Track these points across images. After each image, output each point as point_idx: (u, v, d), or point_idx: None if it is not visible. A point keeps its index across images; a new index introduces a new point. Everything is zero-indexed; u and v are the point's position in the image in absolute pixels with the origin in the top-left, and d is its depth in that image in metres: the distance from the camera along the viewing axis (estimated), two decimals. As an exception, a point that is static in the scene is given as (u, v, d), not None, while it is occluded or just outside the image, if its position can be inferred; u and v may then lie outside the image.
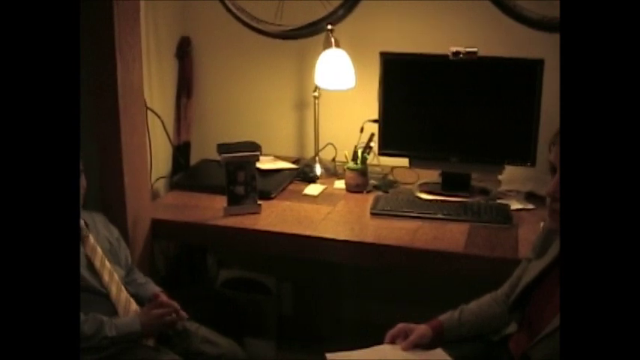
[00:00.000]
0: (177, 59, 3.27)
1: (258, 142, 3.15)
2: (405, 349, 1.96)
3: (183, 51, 3.27)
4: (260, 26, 3.18)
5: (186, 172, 3.17)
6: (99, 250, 2.31)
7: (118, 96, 2.40)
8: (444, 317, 2.05)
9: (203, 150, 3.32)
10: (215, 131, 3.35)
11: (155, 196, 3.03)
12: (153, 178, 3.03)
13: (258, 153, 2.73)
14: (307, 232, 2.54)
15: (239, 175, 2.70)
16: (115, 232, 2.45)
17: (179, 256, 3.22)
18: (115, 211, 2.50)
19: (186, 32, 3.28)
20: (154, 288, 2.45)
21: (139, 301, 2.35)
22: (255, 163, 2.74)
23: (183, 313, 2.31)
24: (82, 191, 2.26)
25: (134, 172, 2.54)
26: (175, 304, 2.31)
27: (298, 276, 3.22)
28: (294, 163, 3.17)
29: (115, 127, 2.43)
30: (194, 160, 3.34)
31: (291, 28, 3.15)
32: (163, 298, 2.33)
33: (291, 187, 3.00)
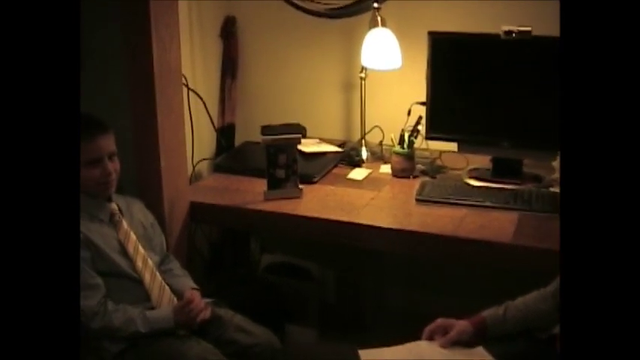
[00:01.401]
0: (221, 39, 3.16)
1: (303, 124, 3.05)
2: (444, 346, 1.84)
3: (228, 31, 3.16)
4: (306, 5, 3.04)
5: (228, 155, 3.06)
6: (132, 235, 2.23)
7: (154, 76, 2.30)
8: (487, 313, 1.91)
9: (247, 132, 3.21)
10: (259, 113, 3.24)
11: (197, 178, 2.95)
12: (195, 160, 2.94)
13: (299, 135, 2.61)
14: (348, 219, 2.41)
15: (280, 158, 2.59)
16: (150, 218, 2.36)
17: (222, 240, 3.13)
18: (150, 194, 2.41)
19: (231, 11, 3.17)
20: (189, 283, 2.36)
21: (173, 292, 2.27)
22: (296, 146, 2.62)
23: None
24: (115, 175, 2.19)
25: (171, 154, 2.44)
26: (208, 308, 2.23)
27: (342, 262, 3.09)
28: (339, 146, 3.03)
29: (151, 108, 2.33)
30: (238, 142, 3.23)
31: (337, 6, 3.01)
32: (197, 300, 2.22)
33: (335, 170, 2.87)
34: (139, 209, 2.35)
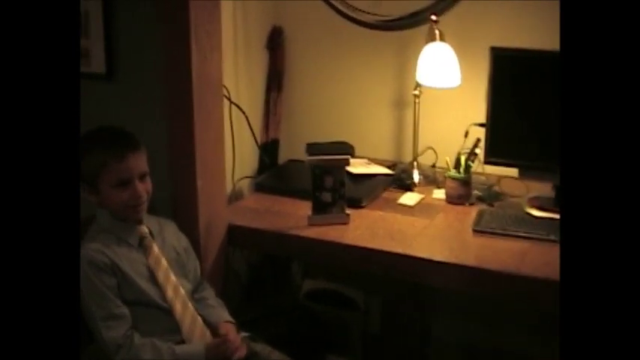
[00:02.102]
0: (267, 50, 2.95)
1: (351, 142, 2.82)
2: None
3: (275, 42, 2.95)
4: (357, 16, 2.82)
5: (271, 173, 2.84)
6: (163, 261, 2.03)
7: (192, 88, 2.09)
8: None
9: (292, 149, 2.99)
10: (305, 129, 3.02)
11: (238, 197, 2.73)
12: (236, 178, 2.73)
13: (348, 156, 2.38)
14: (399, 250, 2.17)
15: (326, 180, 2.35)
16: (184, 241, 2.15)
17: (262, 262, 2.91)
18: (185, 215, 2.20)
19: (277, 22, 2.95)
20: (224, 314, 2.14)
21: (206, 324, 2.05)
22: (344, 168, 2.39)
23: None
24: (146, 197, 2.00)
25: (209, 173, 2.23)
26: (243, 346, 2.03)
27: (388, 290, 2.84)
28: (389, 167, 2.79)
29: (188, 122, 2.13)
30: (282, 159, 3.01)
31: (391, 18, 2.78)
32: (233, 336, 2.02)
33: (385, 194, 2.63)
34: (171, 232, 2.14)
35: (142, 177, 1.98)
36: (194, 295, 2.11)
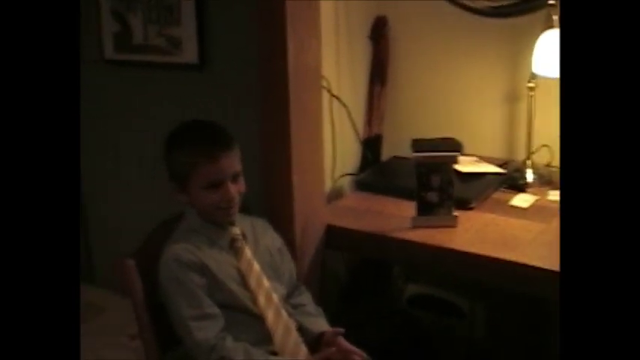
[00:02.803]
0: (371, 41, 2.74)
1: (459, 139, 2.59)
2: None
3: (379, 32, 2.74)
4: (467, 2, 2.57)
5: (373, 171, 2.63)
6: (256, 265, 1.85)
7: (288, 79, 1.91)
8: None
9: (395, 145, 2.77)
10: (410, 124, 2.80)
11: (338, 195, 2.56)
12: (336, 175, 2.55)
13: (456, 153, 2.15)
14: (512, 257, 1.93)
15: (432, 179, 2.13)
16: (278, 242, 1.98)
17: (362, 265, 2.71)
18: (279, 215, 2.03)
19: (382, 11, 2.74)
20: (323, 324, 1.95)
21: (302, 333, 1.87)
22: (452, 165, 2.16)
23: None
24: (238, 199, 1.84)
25: (306, 169, 2.06)
26: (362, 353, 1.82)
27: (496, 299, 2.59)
28: (500, 166, 2.53)
29: (284, 116, 1.96)
30: (385, 156, 2.80)
31: (503, 4, 2.52)
32: (344, 345, 1.83)
33: (495, 195, 2.39)
34: (265, 232, 1.97)
35: (234, 178, 1.82)
36: (290, 300, 1.95)
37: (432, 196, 2.14)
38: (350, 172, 2.68)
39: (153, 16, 2.33)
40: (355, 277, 2.75)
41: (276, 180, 2.02)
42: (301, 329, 1.88)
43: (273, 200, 2.05)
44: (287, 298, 1.93)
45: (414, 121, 2.81)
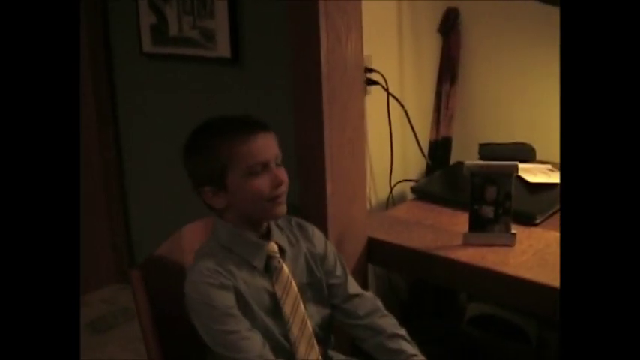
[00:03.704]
0: (440, 36, 2.48)
1: (533, 144, 2.32)
2: None
3: (449, 26, 2.47)
4: (549, -7, 2.27)
5: (433, 178, 2.37)
6: (294, 287, 1.58)
7: (320, 75, 1.69)
8: None
9: (466, 149, 2.50)
10: (482, 126, 2.53)
11: (397, 204, 2.32)
12: (393, 181, 2.32)
13: (516, 164, 1.86)
14: (572, 286, 1.63)
15: (488, 191, 1.86)
16: (321, 247, 1.68)
17: (424, 280, 2.46)
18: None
19: (453, 2, 2.47)
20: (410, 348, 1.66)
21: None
22: (512, 177, 1.87)
23: None
24: (285, 188, 1.56)
25: (343, 176, 1.84)
26: None
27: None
28: (576, 177, 2.22)
29: (316, 117, 1.74)
30: (455, 161, 2.53)
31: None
32: None
33: (566, 210, 2.08)
34: (308, 240, 1.67)
35: (277, 163, 1.55)
36: (359, 317, 1.67)
37: (487, 211, 1.87)
38: (413, 178, 2.44)
39: (187, 7, 2.18)
40: (416, 294, 2.52)
41: (308, 187, 1.80)
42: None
43: (306, 209, 1.83)
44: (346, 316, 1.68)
45: (486, 123, 2.53)
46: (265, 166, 1.51)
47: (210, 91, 2.27)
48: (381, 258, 1.99)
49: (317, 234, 1.69)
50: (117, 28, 2.59)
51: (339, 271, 1.69)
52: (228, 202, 1.55)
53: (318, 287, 1.66)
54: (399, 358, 1.62)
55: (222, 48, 2.07)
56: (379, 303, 1.71)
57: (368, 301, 1.70)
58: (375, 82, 2.22)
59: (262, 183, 1.51)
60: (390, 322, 1.69)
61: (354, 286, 1.70)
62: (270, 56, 2.03)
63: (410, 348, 1.65)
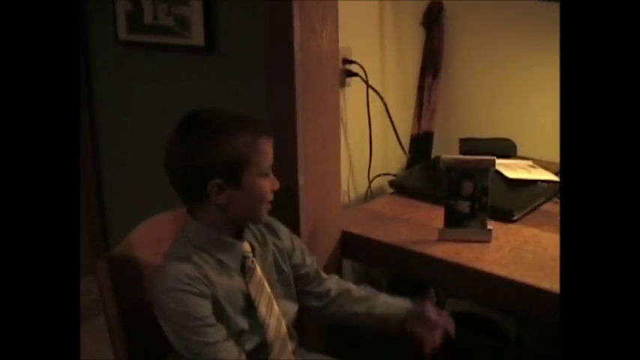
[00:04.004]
0: (423, 28, 2.44)
1: (515, 140, 2.29)
2: None
3: (433, 18, 2.43)
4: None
5: (412, 172, 2.34)
6: (266, 286, 1.56)
7: (294, 66, 1.65)
8: None
9: (448, 144, 2.46)
10: (464, 121, 2.50)
11: (375, 198, 2.28)
12: (372, 175, 2.29)
13: (493, 158, 1.82)
14: (546, 285, 1.60)
15: (464, 186, 1.83)
16: (287, 242, 1.67)
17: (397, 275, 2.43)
18: (284, 219, 1.74)
19: (437, -6, 2.43)
20: (402, 303, 1.73)
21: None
22: (489, 171, 1.83)
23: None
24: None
25: (316, 169, 1.79)
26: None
27: (550, 320, 2.25)
28: (556, 174, 2.18)
29: (289, 107, 1.69)
30: (436, 155, 2.50)
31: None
32: (432, 313, 1.65)
33: (546, 207, 2.05)
34: (271, 235, 1.66)
35: None
36: (331, 297, 1.70)
37: (463, 206, 1.83)
38: (393, 172, 2.40)
39: (162, -7, 2.13)
40: (395, 288, 2.48)
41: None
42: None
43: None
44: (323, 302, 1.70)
45: (468, 117, 2.49)
46: (269, 169, 1.52)
47: (186, 80, 2.23)
48: (356, 252, 1.95)
49: (283, 229, 1.68)
50: (94, 15, 2.54)
51: (308, 260, 1.69)
52: (230, 199, 1.49)
53: (286, 283, 1.64)
54: (397, 310, 1.70)
55: (197, 36, 2.03)
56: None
57: (336, 280, 1.74)
58: (355, 74, 2.19)
59: (268, 186, 1.51)
60: (364, 289, 1.75)
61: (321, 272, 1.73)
62: (246, 45, 1.98)
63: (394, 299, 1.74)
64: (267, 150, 1.50)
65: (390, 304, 1.72)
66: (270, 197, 1.54)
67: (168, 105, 2.31)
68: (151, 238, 1.66)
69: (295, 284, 1.66)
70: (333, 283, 1.72)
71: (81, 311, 2.79)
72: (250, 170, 1.48)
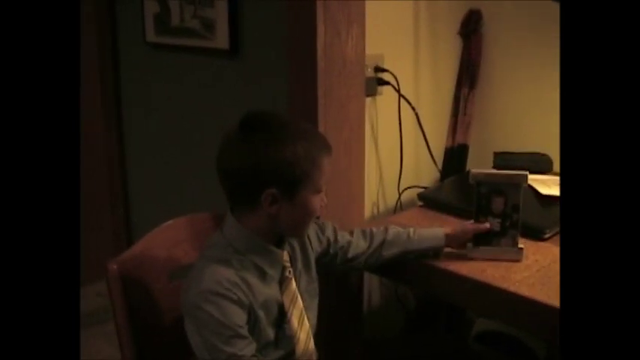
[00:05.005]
0: (460, 38, 2.36)
1: (551, 155, 2.19)
2: None
3: (471, 28, 2.34)
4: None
5: (442, 185, 2.25)
6: (299, 299, 1.51)
7: (316, 73, 1.59)
8: None
9: (483, 157, 2.37)
10: (501, 134, 2.40)
11: (405, 210, 2.20)
12: (403, 187, 2.21)
13: (525, 173, 1.72)
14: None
15: (495, 203, 1.73)
16: (314, 239, 1.62)
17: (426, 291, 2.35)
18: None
19: (475, 4, 2.34)
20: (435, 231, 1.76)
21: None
22: (521, 187, 1.73)
23: None
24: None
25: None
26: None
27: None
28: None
29: (311, 116, 1.63)
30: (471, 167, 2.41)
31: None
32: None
33: (580, 225, 1.94)
34: (300, 246, 1.59)
35: None
36: (369, 252, 1.70)
37: (493, 223, 1.74)
38: (427, 185, 2.32)
39: (188, -5, 2.10)
40: (424, 304, 2.40)
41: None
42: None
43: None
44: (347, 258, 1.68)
45: (505, 131, 2.39)
46: (323, 187, 1.46)
47: (209, 83, 2.18)
48: (378, 268, 1.86)
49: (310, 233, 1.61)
50: (123, 16, 2.53)
51: (338, 237, 1.68)
52: (282, 210, 1.43)
53: (312, 293, 1.59)
54: (433, 242, 1.73)
55: (221, 39, 1.98)
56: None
57: (361, 233, 1.72)
58: (387, 83, 2.12)
59: (319, 203, 1.46)
60: (394, 229, 1.74)
61: (346, 235, 1.70)
62: (270, 49, 1.92)
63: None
64: (326, 167, 1.43)
65: (424, 237, 1.73)
66: (319, 214, 1.48)
67: (193, 108, 2.29)
68: (165, 242, 1.62)
69: (337, 260, 1.67)
70: (362, 240, 1.70)
71: (96, 314, 2.79)
72: (307, 186, 1.42)
